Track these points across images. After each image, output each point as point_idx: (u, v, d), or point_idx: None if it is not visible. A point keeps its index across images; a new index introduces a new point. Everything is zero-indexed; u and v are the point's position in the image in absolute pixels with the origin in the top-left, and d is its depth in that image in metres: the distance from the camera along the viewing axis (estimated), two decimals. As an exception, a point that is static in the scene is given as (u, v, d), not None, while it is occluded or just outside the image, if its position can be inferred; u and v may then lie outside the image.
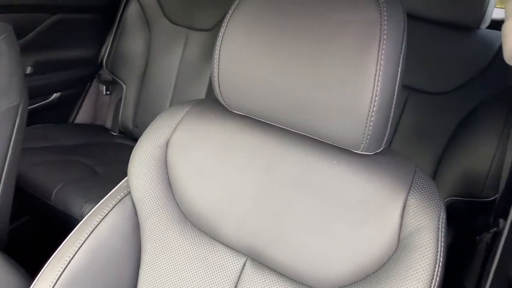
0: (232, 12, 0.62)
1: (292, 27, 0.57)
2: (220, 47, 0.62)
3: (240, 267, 0.67)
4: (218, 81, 0.64)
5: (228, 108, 0.68)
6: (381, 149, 0.60)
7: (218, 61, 0.63)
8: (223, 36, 0.62)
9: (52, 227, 1.29)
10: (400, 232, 0.57)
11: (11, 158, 0.99)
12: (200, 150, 0.69)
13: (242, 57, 0.61)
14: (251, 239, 0.65)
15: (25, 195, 1.31)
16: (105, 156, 1.58)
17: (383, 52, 0.52)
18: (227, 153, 0.67)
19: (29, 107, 1.61)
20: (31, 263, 0.79)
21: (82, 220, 0.70)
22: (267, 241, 0.63)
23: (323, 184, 0.61)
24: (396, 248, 0.57)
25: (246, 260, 0.66)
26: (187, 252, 0.69)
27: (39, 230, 1.42)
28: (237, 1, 0.62)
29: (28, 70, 1.60)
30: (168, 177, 0.71)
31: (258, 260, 0.66)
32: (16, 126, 0.98)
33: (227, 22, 0.62)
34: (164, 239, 0.70)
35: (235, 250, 0.67)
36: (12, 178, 1.02)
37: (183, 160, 0.69)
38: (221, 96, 0.66)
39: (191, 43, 1.65)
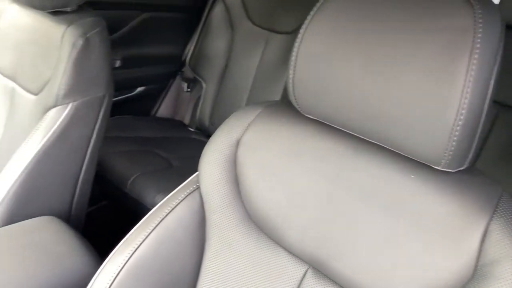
0: (314, 15, 0.61)
1: (375, 32, 0.54)
2: (298, 48, 0.61)
3: (301, 275, 0.65)
4: (293, 83, 0.63)
5: (301, 111, 0.66)
6: (465, 167, 0.55)
7: (295, 63, 0.62)
8: (302, 38, 0.61)
9: (126, 214, 1.36)
10: (478, 259, 0.52)
11: (94, 145, 1.05)
12: (269, 152, 0.68)
13: (320, 61, 0.59)
14: (315, 248, 0.63)
15: (104, 181, 1.39)
16: (180, 150, 1.63)
17: (474, 62, 0.48)
18: (296, 157, 0.66)
19: (115, 99, 1.71)
20: (104, 245, 0.84)
21: (152, 210, 0.73)
22: (331, 251, 0.61)
23: (397, 199, 0.58)
24: (472, 277, 0.52)
25: (308, 268, 0.65)
26: (249, 252, 0.68)
27: (114, 215, 1.50)
28: (319, 4, 0.61)
29: (117, 63, 1.71)
30: (236, 175, 0.71)
31: (320, 270, 0.63)
32: (100, 115, 1.04)
33: (308, 24, 0.61)
34: (228, 237, 0.70)
35: (297, 257, 0.66)
36: (93, 164, 1.09)
37: (252, 160, 0.69)
38: (295, 98, 0.64)
39: (271, 45, 1.65)
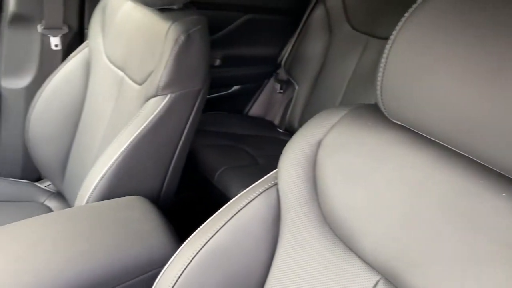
0: (409, 16, 0.58)
1: (478, 37, 0.51)
2: (389, 50, 0.59)
3: (372, 285, 0.63)
4: (381, 86, 0.61)
5: (388, 116, 0.64)
6: None
7: (385, 65, 0.60)
8: (394, 40, 0.59)
9: (210, 204, 1.42)
10: None
11: (186, 135, 1.11)
12: (350, 155, 0.67)
13: (412, 64, 0.57)
14: (389, 259, 0.60)
15: (193, 171, 1.47)
16: (267, 149, 1.67)
17: None
18: (378, 163, 0.63)
19: (211, 96, 1.80)
20: (186, 231, 0.88)
21: (230, 201, 0.75)
22: (407, 265, 0.58)
23: (484, 219, 0.53)
24: None
25: (380, 279, 0.62)
26: (321, 254, 0.68)
27: (199, 204, 1.57)
28: (416, 5, 0.58)
29: (217, 62, 1.79)
30: (315, 176, 0.71)
31: (393, 282, 0.61)
32: (194, 108, 1.10)
33: (402, 26, 0.59)
34: (301, 236, 0.70)
35: (369, 265, 0.63)
36: (184, 153, 1.15)
37: (332, 162, 0.68)
38: (382, 102, 0.62)
39: (369, 50, 1.61)
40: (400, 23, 0.59)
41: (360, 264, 0.64)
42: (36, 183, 1.45)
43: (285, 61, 1.89)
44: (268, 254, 0.73)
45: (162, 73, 1.03)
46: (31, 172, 1.51)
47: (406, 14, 0.59)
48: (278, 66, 1.96)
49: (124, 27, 1.19)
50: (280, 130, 1.91)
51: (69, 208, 1.00)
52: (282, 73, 1.95)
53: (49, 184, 1.44)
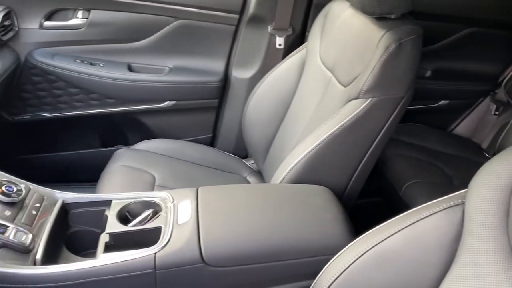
0: None
1: None
2: None
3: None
4: None
5: None
6: None
7: None
8: None
9: (392, 213, 1.41)
10: None
11: (379, 141, 1.13)
12: (556, 189, 0.61)
13: None
14: None
15: (381, 177, 1.48)
16: (467, 172, 1.52)
17: None
18: None
19: (414, 107, 1.76)
20: (361, 231, 0.91)
21: (411, 210, 0.76)
22: None
23: None
24: None
25: None
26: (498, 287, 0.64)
27: (380, 211, 1.57)
28: None
29: (428, 73, 1.74)
30: (509, 204, 0.66)
31: None
32: (393, 116, 1.11)
33: None
34: (479, 263, 0.67)
35: None
36: (374, 158, 1.17)
37: (533, 192, 0.63)
38: None
39: None
40: None
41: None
42: (243, 160, 1.68)
43: (507, 81, 1.71)
44: (439, 272, 0.72)
45: (367, 78, 1.08)
46: (241, 150, 1.77)
47: None
48: (497, 85, 1.79)
49: (341, 32, 1.28)
50: (487, 155, 1.74)
51: (266, 183, 1.13)
52: (501, 93, 1.77)
53: (253, 163, 1.65)
